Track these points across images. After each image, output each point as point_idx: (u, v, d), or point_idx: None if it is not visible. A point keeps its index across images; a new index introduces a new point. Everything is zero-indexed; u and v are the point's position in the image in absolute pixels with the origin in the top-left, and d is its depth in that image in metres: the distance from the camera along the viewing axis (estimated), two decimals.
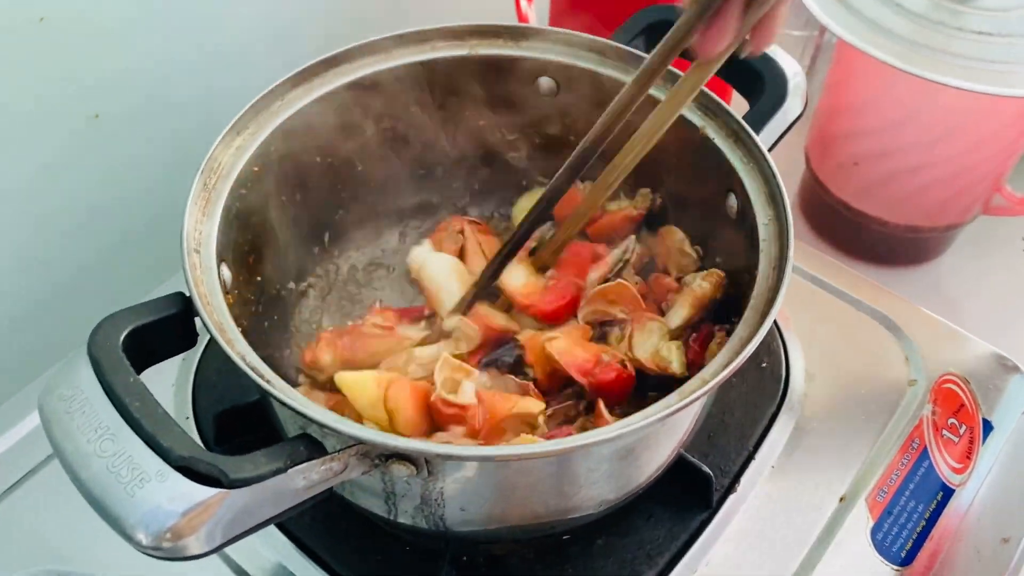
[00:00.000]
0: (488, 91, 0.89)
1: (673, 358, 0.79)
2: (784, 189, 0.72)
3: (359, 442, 0.58)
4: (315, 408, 0.59)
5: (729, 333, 0.80)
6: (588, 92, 0.86)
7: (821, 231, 1.27)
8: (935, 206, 1.15)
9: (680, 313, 0.82)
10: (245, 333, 0.70)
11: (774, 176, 0.73)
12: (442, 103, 0.89)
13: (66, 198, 0.94)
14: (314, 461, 0.58)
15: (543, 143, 0.94)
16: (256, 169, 0.77)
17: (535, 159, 0.96)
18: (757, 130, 0.80)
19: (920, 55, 0.96)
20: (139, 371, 0.63)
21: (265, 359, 0.70)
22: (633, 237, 0.89)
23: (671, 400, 0.61)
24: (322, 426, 0.58)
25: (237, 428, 0.85)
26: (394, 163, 0.93)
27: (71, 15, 0.86)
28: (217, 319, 0.65)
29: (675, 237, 0.88)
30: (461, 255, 0.92)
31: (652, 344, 0.81)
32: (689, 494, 0.81)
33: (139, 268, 0.99)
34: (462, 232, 0.93)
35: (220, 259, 0.71)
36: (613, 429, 0.58)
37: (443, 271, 0.90)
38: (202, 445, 0.83)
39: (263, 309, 0.83)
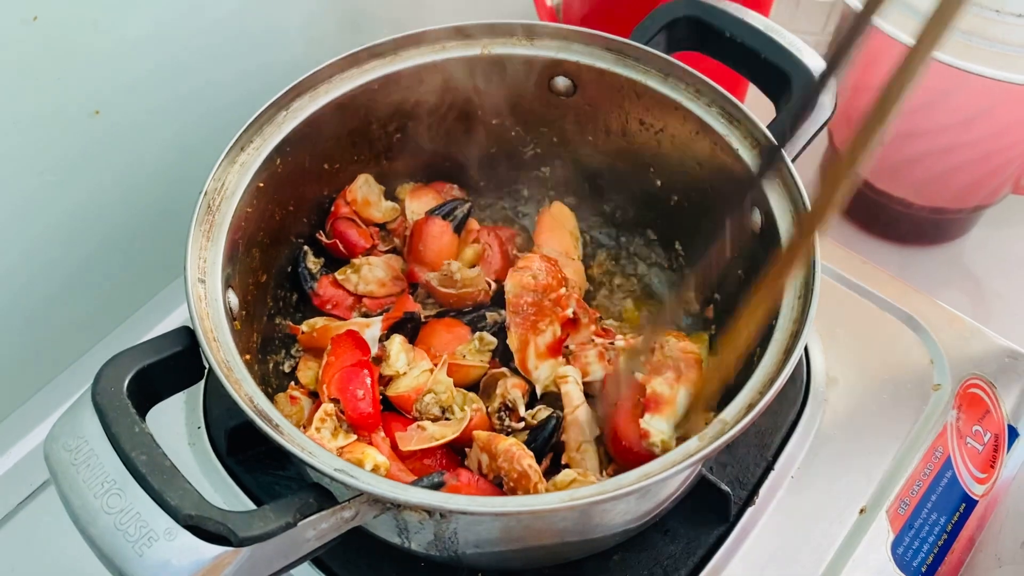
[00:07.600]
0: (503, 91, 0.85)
1: None
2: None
3: (371, 496, 0.57)
4: (325, 458, 0.58)
5: None
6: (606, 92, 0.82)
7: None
8: (963, 188, 1.11)
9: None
10: (255, 356, 0.69)
11: (802, 199, 0.70)
12: (452, 103, 0.86)
13: (65, 202, 0.90)
14: (324, 512, 0.57)
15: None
16: (261, 185, 0.75)
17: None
18: (786, 135, 0.76)
19: (952, 38, 0.92)
20: (145, 412, 0.62)
21: (274, 372, 0.68)
22: None
23: (690, 448, 0.59)
24: (332, 479, 0.57)
25: (250, 439, 0.83)
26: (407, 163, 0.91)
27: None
28: (223, 357, 0.63)
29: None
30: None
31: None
32: (707, 509, 0.80)
33: (142, 275, 0.95)
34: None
35: (227, 285, 0.69)
36: (634, 481, 0.57)
37: None
38: (216, 460, 0.85)
39: (271, 322, 0.81)
